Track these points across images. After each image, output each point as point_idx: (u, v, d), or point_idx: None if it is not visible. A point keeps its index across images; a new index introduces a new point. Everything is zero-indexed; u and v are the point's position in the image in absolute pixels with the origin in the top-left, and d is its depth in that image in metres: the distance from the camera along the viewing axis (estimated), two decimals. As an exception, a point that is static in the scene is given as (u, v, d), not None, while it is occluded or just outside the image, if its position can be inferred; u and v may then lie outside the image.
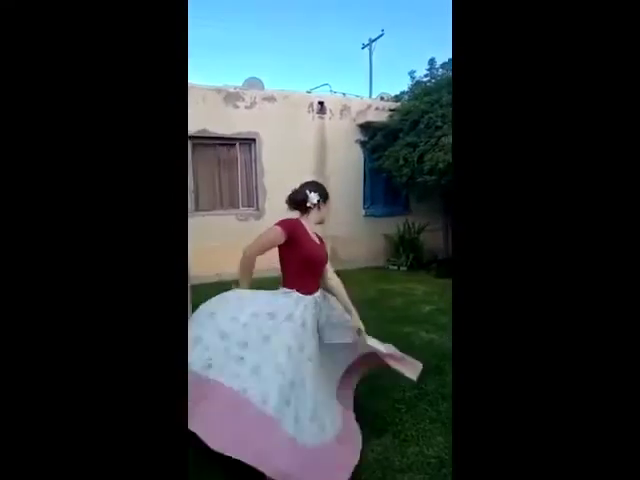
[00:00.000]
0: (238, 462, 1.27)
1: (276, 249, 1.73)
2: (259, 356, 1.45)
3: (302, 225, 1.72)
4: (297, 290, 1.66)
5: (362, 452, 1.72)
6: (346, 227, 6.19)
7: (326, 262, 1.81)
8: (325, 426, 1.53)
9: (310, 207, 1.76)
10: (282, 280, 1.74)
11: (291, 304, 1.61)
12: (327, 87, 7.01)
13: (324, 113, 5.93)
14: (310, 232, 1.74)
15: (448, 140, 4.54)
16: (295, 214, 1.81)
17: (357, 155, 6.20)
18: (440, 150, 4.59)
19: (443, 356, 2.72)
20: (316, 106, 5.88)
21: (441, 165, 4.54)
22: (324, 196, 1.80)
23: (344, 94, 6.57)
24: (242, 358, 1.45)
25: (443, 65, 5.56)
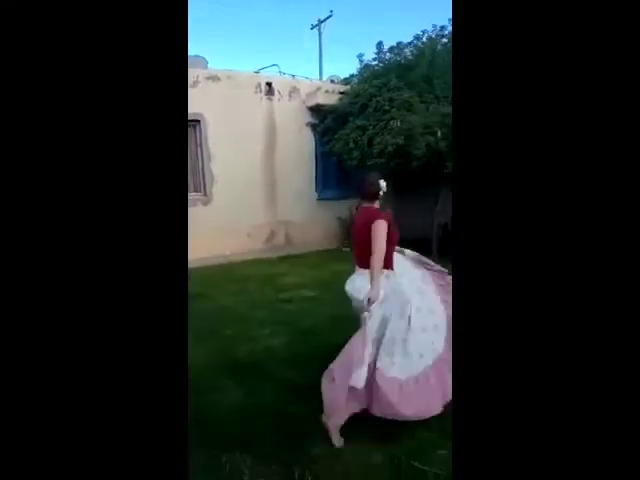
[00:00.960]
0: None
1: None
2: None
3: None
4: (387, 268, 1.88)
5: (318, 428, 1.75)
6: (299, 211, 6.16)
7: None
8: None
9: (380, 195, 1.96)
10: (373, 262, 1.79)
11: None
12: (276, 68, 6.81)
13: (272, 95, 5.77)
14: None
15: (396, 123, 4.63)
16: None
17: (308, 138, 6.15)
18: (388, 133, 4.67)
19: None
20: (264, 87, 5.71)
21: (390, 148, 4.62)
22: None
23: (293, 76, 6.45)
24: None
25: (391, 49, 5.61)
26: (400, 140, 4.55)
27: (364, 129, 5.05)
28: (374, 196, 1.96)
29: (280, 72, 6.56)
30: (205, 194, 5.49)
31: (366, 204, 1.98)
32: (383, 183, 1.97)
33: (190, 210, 5.30)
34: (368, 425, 1.75)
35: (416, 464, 1.55)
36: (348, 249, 6.17)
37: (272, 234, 6.07)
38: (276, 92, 5.79)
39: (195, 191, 5.51)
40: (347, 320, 3.13)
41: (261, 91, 5.69)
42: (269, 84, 5.73)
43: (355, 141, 5.08)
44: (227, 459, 1.59)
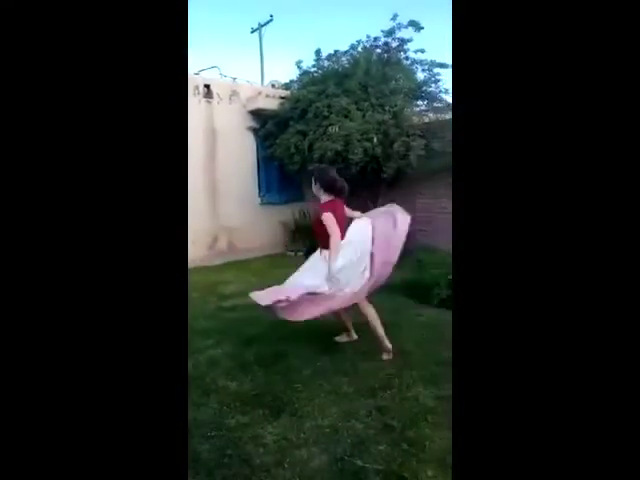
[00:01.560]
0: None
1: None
2: None
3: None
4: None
5: (260, 436, 1.75)
6: (242, 216, 6.06)
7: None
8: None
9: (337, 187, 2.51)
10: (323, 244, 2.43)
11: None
12: (216, 70, 6.64)
13: (211, 97, 5.63)
14: None
15: (334, 129, 4.76)
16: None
17: (249, 142, 6.08)
18: (328, 139, 4.79)
19: (334, 333, 2.90)
20: (202, 89, 5.55)
21: (329, 153, 4.74)
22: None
23: (234, 79, 6.34)
24: None
25: (329, 57, 5.76)
26: (339, 146, 4.69)
27: (304, 134, 5.13)
28: (330, 189, 2.45)
29: (221, 74, 6.42)
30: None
31: (325, 197, 2.46)
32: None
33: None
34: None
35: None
36: (292, 253, 6.21)
37: (215, 240, 5.91)
38: (215, 95, 5.66)
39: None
40: (291, 327, 3.16)
41: (199, 93, 5.53)
42: (207, 86, 5.58)
43: (296, 146, 5.14)
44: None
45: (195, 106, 5.50)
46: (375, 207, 5.89)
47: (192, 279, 4.86)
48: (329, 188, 2.46)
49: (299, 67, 5.88)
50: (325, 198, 2.46)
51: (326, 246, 2.36)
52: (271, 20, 12.77)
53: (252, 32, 13.45)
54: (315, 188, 2.49)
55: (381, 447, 1.67)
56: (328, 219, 2.32)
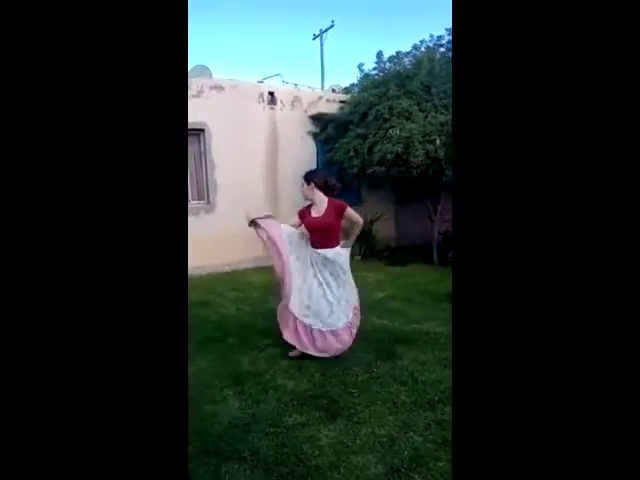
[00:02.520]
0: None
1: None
2: None
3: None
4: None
5: (316, 438, 1.77)
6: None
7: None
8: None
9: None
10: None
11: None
12: (279, 77, 6.90)
13: (275, 104, 5.85)
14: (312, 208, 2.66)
15: (395, 132, 4.68)
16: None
17: (309, 147, 6.20)
18: (388, 142, 4.71)
19: (393, 340, 2.84)
20: (266, 97, 5.78)
21: (389, 156, 4.67)
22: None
23: (296, 85, 6.52)
24: None
25: (390, 59, 5.68)
26: (399, 148, 4.59)
27: (364, 137, 5.10)
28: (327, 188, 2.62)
29: (283, 81, 6.65)
30: (208, 202, 5.54)
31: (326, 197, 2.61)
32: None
33: (193, 218, 5.36)
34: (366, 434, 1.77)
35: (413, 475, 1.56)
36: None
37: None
38: (279, 101, 5.86)
39: (198, 199, 5.57)
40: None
41: (264, 100, 5.77)
42: (271, 93, 5.80)
43: (356, 149, 5.13)
44: (227, 469, 1.61)
45: (259, 113, 5.75)
46: (436, 212, 5.73)
47: (252, 279, 5.10)
48: (327, 188, 2.61)
49: (360, 70, 5.87)
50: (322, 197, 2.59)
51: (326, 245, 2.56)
52: (332, 26, 12.94)
53: (314, 39, 13.73)
54: (308, 189, 2.59)
55: (440, 463, 1.60)
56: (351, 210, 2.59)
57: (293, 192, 6.08)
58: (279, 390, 2.22)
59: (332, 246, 2.59)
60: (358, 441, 1.76)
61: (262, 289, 4.34)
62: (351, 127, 5.36)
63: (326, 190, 2.59)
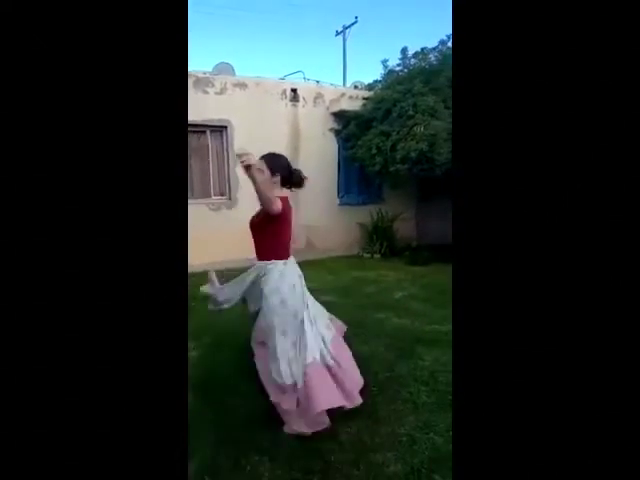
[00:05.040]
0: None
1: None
2: None
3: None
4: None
5: (336, 433, 1.76)
6: (321, 216, 6.20)
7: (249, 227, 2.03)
8: None
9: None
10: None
11: None
12: (300, 74, 6.91)
13: (297, 101, 5.86)
14: None
15: (420, 129, 4.61)
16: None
17: (331, 144, 6.19)
18: (412, 139, 4.65)
19: (414, 340, 2.80)
20: (289, 93, 5.80)
21: (413, 154, 4.60)
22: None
23: (318, 82, 6.51)
24: None
25: (415, 55, 5.60)
26: (424, 146, 4.52)
27: (387, 135, 5.05)
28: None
29: (305, 78, 6.65)
30: (230, 198, 5.61)
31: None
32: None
33: (214, 214, 5.44)
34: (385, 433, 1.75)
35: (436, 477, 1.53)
36: (369, 255, 6.16)
37: (293, 238, 6.13)
38: (301, 98, 5.87)
39: (220, 195, 5.64)
40: (365, 326, 3.13)
41: (286, 97, 5.79)
42: (294, 90, 5.81)
43: (378, 147, 5.09)
44: (247, 461, 1.63)
45: (282, 110, 5.77)
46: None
47: (272, 274, 5.12)
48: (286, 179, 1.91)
49: (384, 66, 5.81)
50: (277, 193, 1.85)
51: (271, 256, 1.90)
52: (356, 22, 12.83)
53: (337, 35, 13.66)
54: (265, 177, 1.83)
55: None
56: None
57: (313, 189, 6.09)
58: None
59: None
60: (377, 439, 1.75)
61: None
62: (374, 124, 5.32)
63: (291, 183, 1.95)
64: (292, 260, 1.99)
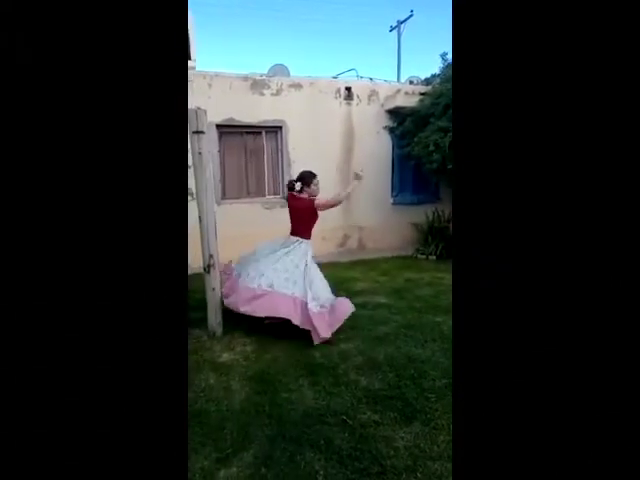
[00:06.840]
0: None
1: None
2: None
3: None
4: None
5: (391, 438, 1.72)
6: (374, 216, 6.11)
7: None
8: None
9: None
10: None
11: None
12: (354, 72, 6.85)
13: (351, 99, 5.82)
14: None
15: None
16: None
17: (385, 142, 6.07)
18: (473, 135, 4.41)
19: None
20: (343, 92, 5.78)
21: (473, 150, 4.36)
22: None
23: (371, 79, 6.42)
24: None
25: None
26: (486, 142, 4.26)
27: (446, 131, 4.82)
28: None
29: (358, 76, 6.59)
30: (283, 197, 5.73)
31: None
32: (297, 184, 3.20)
33: (268, 212, 5.59)
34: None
35: None
36: (423, 256, 5.96)
37: (346, 238, 6.11)
38: (355, 96, 5.82)
39: (275, 194, 5.78)
40: (420, 329, 3.03)
41: (340, 96, 5.78)
42: (348, 89, 5.78)
43: (436, 144, 4.88)
44: (302, 457, 1.64)
45: (336, 108, 5.77)
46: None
47: (323, 274, 5.13)
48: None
49: (443, 59, 5.57)
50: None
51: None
52: (411, 16, 12.47)
53: (391, 30, 13.39)
54: (298, 186, 3.12)
55: None
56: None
57: (367, 188, 6.02)
58: (352, 385, 2.20)
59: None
60: (436, 448, 1.67)
61: (332, 284, 4.35)
62: (432, 120, 5.11)
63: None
64: (311, 242, 3.20)
